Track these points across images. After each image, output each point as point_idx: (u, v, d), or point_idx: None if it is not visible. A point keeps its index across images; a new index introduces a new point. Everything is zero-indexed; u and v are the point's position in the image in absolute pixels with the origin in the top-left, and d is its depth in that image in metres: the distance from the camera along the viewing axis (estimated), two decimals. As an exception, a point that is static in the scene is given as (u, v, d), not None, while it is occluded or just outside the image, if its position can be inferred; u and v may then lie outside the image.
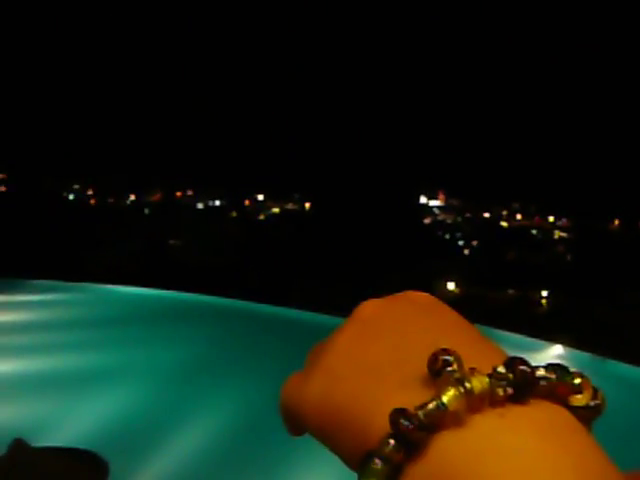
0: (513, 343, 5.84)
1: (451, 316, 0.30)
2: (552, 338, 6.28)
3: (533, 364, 0.25)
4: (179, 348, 5.70)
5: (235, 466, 3.52)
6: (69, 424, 3.75)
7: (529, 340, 6.17)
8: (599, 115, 22.37)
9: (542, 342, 6.18)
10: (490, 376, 0.24)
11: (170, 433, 3.80)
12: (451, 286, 10.52)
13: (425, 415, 0.23)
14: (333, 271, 10.38)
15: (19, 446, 1.82)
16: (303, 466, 3.08)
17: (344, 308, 0.32)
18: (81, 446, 2.20)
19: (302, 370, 0.31)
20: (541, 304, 10.38)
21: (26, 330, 6.20)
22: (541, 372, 0.24)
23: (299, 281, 9.51)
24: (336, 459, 0.28)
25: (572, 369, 0.26)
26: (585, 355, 5.80)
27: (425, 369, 0.25)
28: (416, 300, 0.31)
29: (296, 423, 0.30)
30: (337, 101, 23.42)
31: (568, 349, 6.03)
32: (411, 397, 0.24)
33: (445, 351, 0.24)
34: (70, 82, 21.96)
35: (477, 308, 7.75)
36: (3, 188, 19.68)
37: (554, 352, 6.04)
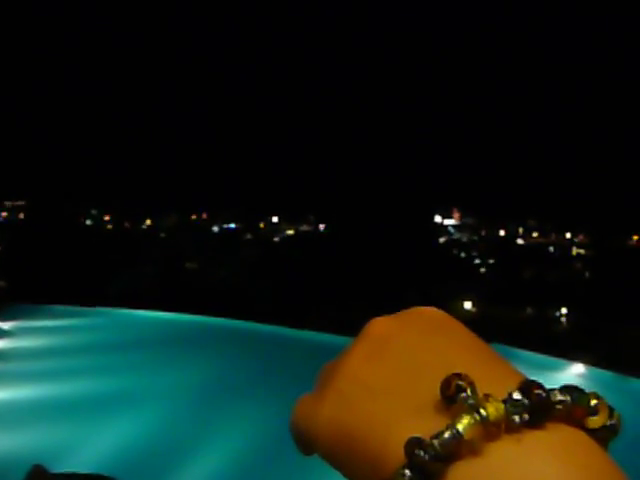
0: (533, 362, 5.76)
1: (462, 334, 0.29)
2: (571, 356, 6.19)
3: (549, 385, 0.24)
4: (196, 371, 5.69)
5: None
6: (88, 449, 3.75)
7: (548, 359, 6.08)
8: (615, 132, 22.26)
9: (562, 360, 6.08)
10: (505, 402, 0.23)
11: (188, 456, 3.79)
12: (468, 305, 10.43)
13: (441, 445, 0.22)
14: (349, 291, 10.35)
15: (38, 472, 1.83)
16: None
17: (360, 329, 0.32)
18: (100, 471, 2.20)
19: (313, 391, 0.31)
20: (560, 322, 10.25)
21: (45, 355, 6.23)
22: (557, 395, 0.24)
23: (314, 302, 9.49)
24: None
25: (587, 390, 0.25)
26: (606, 373, 5.70)
27: (438, 394, 0.24)
28: (426, 316, 0.30)
29: (307, 444, 0.30)
30: (351, 122, 23.55)
31: (588, 367, 5.93)
32: (425, 424, 0.24)
33: (458, 376, 0.24)
34: (88, 110, 22.34)
35: (494, 326, 7.67)
36: (22, 215, 19.95)
37: (574, 370, 5.94)
